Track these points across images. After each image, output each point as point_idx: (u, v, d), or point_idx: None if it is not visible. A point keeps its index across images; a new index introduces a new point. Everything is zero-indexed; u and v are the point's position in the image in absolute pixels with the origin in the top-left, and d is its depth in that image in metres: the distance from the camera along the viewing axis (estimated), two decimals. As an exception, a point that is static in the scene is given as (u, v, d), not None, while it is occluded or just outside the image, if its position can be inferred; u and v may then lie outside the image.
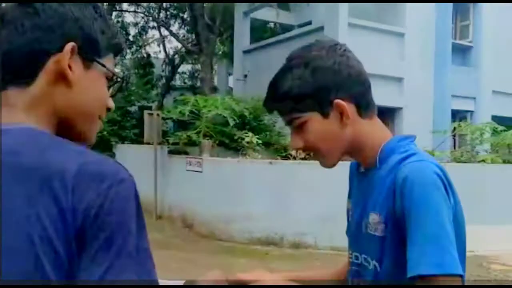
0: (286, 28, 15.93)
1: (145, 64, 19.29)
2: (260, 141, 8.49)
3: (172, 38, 19.92)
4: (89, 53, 0.85)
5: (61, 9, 0.83)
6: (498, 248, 7.04)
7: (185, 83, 22.40)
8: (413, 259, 0.98)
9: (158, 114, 9.56)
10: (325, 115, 1.14)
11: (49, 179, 0.72)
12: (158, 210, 9.39)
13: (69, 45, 0.82)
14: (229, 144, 8.93)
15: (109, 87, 0.92)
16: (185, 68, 22.36)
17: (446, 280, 0.95)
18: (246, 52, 14.57)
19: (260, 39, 15.05)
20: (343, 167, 1.31)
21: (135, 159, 10.90)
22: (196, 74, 21.13)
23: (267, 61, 13.24)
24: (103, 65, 0.88)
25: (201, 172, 8.15)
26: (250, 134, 8.52)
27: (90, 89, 0.86)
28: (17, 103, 0.81)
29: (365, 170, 1.21)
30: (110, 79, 0.92)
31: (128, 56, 20.54)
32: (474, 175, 7.35)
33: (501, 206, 7.31)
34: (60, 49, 0.82)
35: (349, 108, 1.13)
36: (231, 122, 8.57)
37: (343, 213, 1.31)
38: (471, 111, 13.43)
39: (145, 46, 21.86)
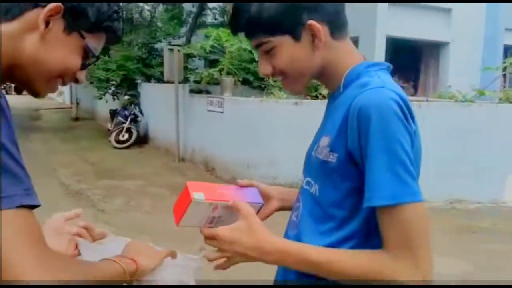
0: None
1: (174, -3, 18.35)
2: (287, 79, 7.77)
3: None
4: (72, 21, 0.88)
5: None
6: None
7: (216, 19, 21.48)
8: (369, 190, 0.96)
9: (178, 50, 8.86)
10: (296, 38, 1.07)
11: None
12: (181, 152, 9.00)
13: (53, 4, 0.85)
14: (254, 83, 8.29)
15: (85, 62, 0.94)
16: (217, 4, 21.35)
17: (402, 209, 0.93)
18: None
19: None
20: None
21: (157, 99, 10.45)
22: (227, 10, 20.26)
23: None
24: (83, 37, 0.91)
25: (222, 112, 7.59)
26: (276, 71, 7.81)
27: (60, 52, 0.88)
28: None
29: (332, 94, 1.17)
30: (87, 55, 0.93)
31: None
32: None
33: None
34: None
35: (323, 29, 1.06)
36: (256, 58, 7.89)
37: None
38: (526, 47, 12.12)
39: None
